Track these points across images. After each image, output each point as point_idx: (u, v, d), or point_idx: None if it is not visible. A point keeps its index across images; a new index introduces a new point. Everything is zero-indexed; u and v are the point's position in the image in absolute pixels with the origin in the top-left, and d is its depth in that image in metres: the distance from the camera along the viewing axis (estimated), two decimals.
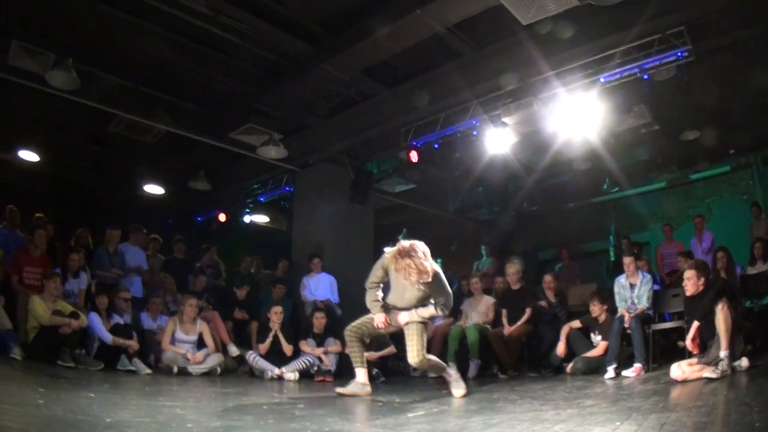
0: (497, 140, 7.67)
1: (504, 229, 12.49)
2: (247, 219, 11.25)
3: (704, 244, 8.45)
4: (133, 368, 5.87)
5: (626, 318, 5.79)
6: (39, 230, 6.55)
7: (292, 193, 10.30)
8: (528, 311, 6.84)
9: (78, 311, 5.88)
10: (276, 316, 6.65)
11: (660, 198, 11.56)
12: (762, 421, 2.66)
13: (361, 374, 4.72)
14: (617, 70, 6.56)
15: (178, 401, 4.05)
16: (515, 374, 6.57)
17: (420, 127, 8.30)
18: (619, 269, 6.93)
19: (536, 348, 6.84)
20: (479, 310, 7.31)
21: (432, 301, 4.53)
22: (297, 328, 7.46)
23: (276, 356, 6.48)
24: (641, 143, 9.57)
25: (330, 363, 6.58)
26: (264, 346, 6.53)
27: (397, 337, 5.66)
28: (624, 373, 5.42)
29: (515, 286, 7.15)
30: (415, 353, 4.47)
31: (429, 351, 4.83)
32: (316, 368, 6.52)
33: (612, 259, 10.83)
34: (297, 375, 6.31)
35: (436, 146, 8.45)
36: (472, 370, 6.60)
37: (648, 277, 6.29)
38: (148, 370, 6.00)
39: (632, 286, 6.20)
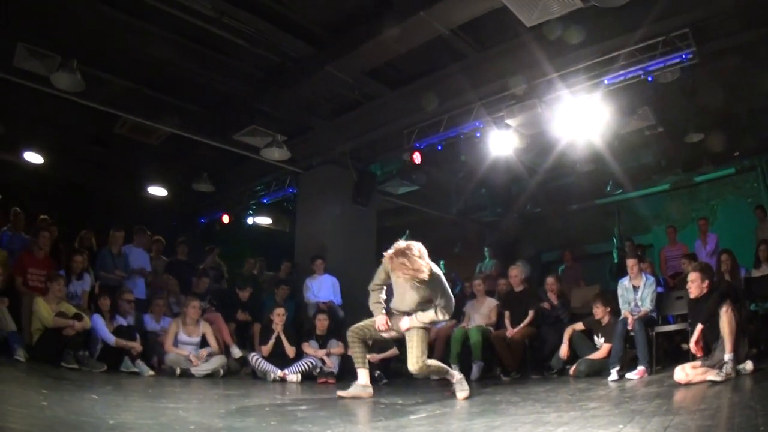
0: (501, 142, 7.65)
1: (507, 231, 12.46)
2: (250, 221, 11.26)
3: (708, 246, 8.43)
4: (136, 370, 5.89)
5: (629, 320, 5.78)
6: (43, 232, 6.56)
7: (295, 195, 10.32)
8: (531, 313, 6.84)
9: (81, 313, 5.92)
10: (279, 317, 6.66)
11: (664, 200, 11.52)
12: (767, 424, 2.64)
13: (363, 375, 4.71)
14: (621, 72, 6.54)
15: (181, 403, 4.07)
16: (518, 376, 6.56)
17: (423, 128, 8.29)
18: (622, 271, 6.91)
19: (539, 350, 6.84)
20: (482, 312, 7.29)
21: (434, 303, 4.52)
22: (300, 329, 7.47)
23: (278, 358, 6.48)
24: (645, 145, 9.52)
25: (332, 365, 6.58)
26: (267, 348, 6.53)
27: (400, 339, 5.64)
28: (627, 375, 5.41)
29: (518, 288, 7.16)
30: (414, 360, 4.46)
31: (431, 353, 4.82)
32: (318, 370, 6.52)
33: (615, 261, 10.75)
34: (299, 377, 6.31)
35: (440, 148, 8.43)
36: (475, 372, 6.59)
37: (651, 279, 6.28)
38: (151, 372, 6.02)
39: (636, 288, 6.18)
